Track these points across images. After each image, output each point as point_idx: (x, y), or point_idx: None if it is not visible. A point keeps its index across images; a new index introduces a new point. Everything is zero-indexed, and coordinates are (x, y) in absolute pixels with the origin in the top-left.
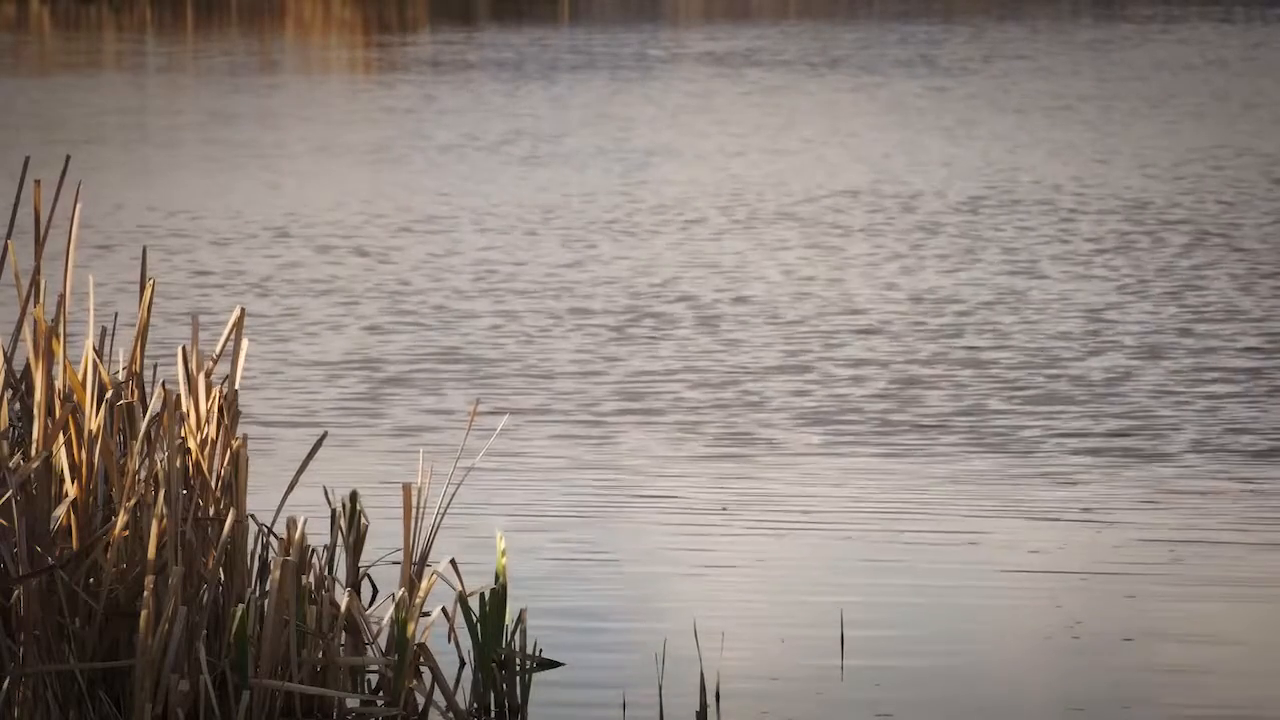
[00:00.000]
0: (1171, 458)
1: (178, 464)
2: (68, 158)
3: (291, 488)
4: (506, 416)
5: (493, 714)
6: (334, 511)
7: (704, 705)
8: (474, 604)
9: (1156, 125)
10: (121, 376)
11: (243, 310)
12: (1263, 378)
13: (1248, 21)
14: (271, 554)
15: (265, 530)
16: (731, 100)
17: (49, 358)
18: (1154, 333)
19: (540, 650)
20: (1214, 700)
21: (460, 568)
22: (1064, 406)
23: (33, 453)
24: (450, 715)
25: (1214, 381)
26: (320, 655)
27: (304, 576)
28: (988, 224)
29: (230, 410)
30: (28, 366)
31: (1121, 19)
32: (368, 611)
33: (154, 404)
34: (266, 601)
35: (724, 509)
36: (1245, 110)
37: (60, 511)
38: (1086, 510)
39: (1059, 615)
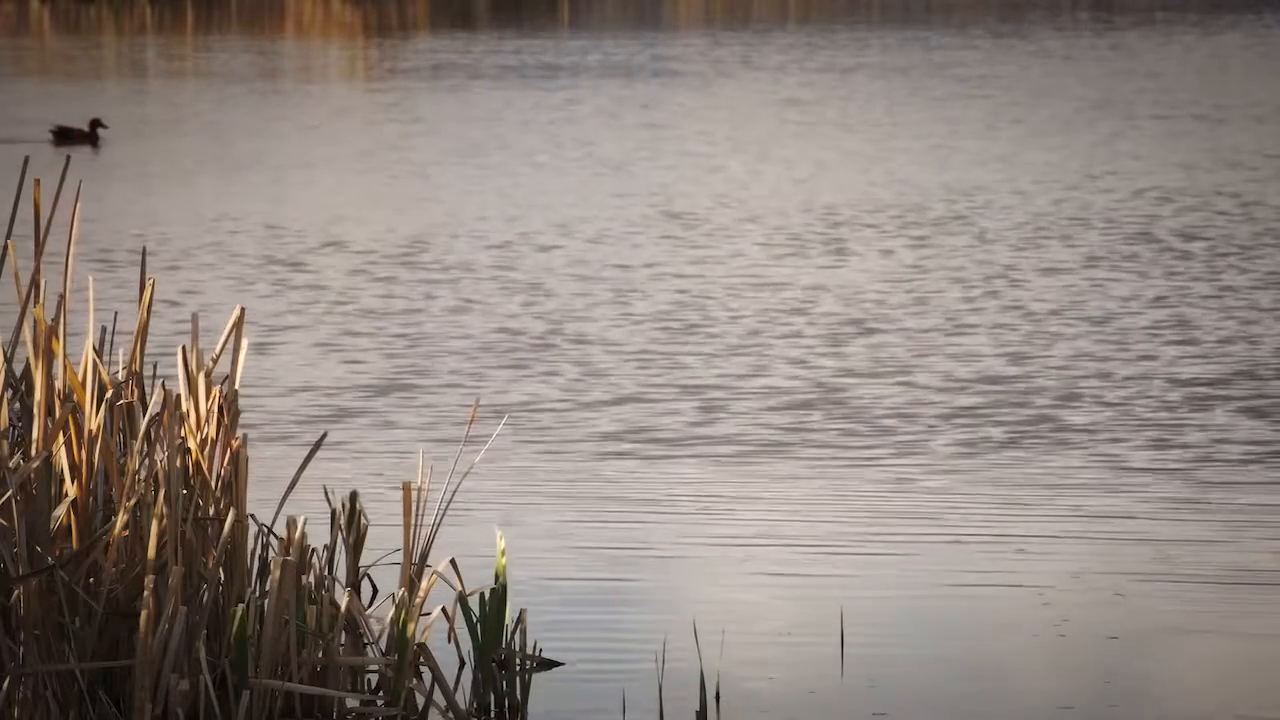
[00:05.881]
0: (1160, 459)
1: (178, 464)
2: (68, 158)
3: (291, 488)
4: (506, 417)
5: (493, 714)
6: (334, 511)
7: (704, 705)
8: (474, 604)
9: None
10: (121, 376)
11: (243, 310)
12: (1252, 383)
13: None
14: (271, 554)
15: (265, 530)
16: (731, 105)
17: (49, 358)
18: (1144, 338)
19: (540, 650)
20: (1202, 699)
21: (460, 568)
22: (1051, 408)
23: (33, 453)
24: (450, 715)
25: (1205, 385)
26: (320, 655)
27: (304, 576)
28: (979, 232)
29: (230, 410)
30: (28, 366)
31: (1118, 25)
32: (368, 611)
33: (154, 404)
34: (266, 601)
35: (709, 508)
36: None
37: (60, 511)
38: (1075, 509)
39: (1048, 614)
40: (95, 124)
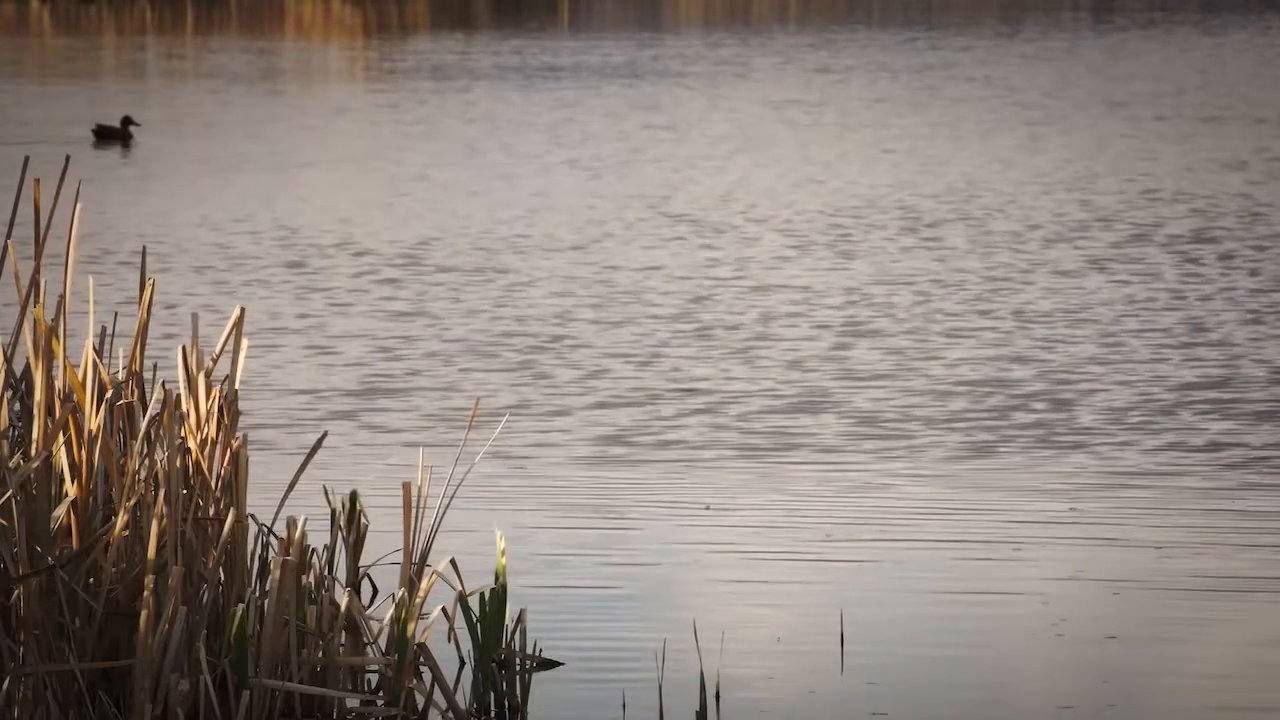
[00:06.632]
0: (1157, 462)
1: (178, 464)
2: (67, 158)
3: (291, 488)
4: (506, 416)
5: (493, 714)
6: (334, 511)
7: (704, 705)
8: (474, 604)
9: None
10: (121, 377)
11: (242, 310)
12: (1252, 386)
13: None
14: (271, 554)
15: (265, 530)
16: (732, 105)
17: (49, 358)
18: (1144, 341)
19: (540, 650)
20: (1199, 698)
21: (460, 568)
22: (1051, 411)
23: (33, 453)
24: (450, 715)
25: (1205, 388)
26: (320, 655)
27: (304, 576)
28: (981, 233)
29: (230, 410)
30: (28, 366)
31: (1118, 25)
32: (368, 611)
33: (154, 404)
34: (266, 601)
35: (707, 507)
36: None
37: (60, 511)
38: (1073, 510)
39: (1047, 615)
40: (127, 121)
